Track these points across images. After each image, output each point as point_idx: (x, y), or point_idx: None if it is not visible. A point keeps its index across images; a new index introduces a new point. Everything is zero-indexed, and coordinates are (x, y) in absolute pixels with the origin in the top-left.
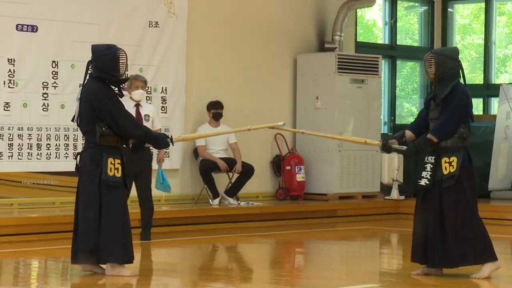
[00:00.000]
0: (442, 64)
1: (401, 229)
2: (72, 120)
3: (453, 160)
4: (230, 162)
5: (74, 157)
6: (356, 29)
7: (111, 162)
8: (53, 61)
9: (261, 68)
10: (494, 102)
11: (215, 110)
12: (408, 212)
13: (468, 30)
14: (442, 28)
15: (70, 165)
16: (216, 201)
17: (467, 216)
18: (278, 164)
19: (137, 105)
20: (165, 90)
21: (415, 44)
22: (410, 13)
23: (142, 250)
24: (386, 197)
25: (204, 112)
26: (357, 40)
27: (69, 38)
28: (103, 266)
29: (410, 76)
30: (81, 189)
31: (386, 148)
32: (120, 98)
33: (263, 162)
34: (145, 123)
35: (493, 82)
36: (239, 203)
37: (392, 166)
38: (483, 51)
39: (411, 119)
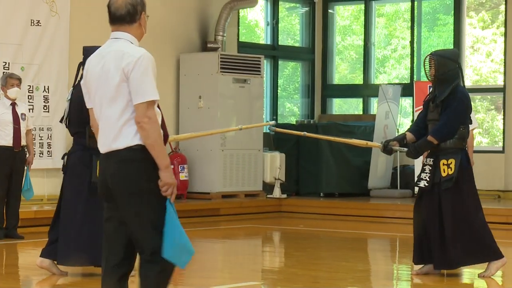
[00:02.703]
0: (442, 66)
1: (283, 227)
2: (61, 121)
3: (451, 162)
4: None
5: (62, 158)
6: (238, 29)
7: None
8: None
9: None
10: (374, 102)
11: None
12: (290, 211)
13: (348, 31)
14: (323, 29)
15: None
16: None
17: (464, 217)
18: None
19: (13, 104)
20: (47, 89)
21: (297, 45)
22: (291, 14)
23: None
24: (268, 196)
25: None
26: (240, 40)
27: None
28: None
29: (292, 76)
30: (68, 189)
31: (387, 150)
32: None
33: None
34: (22, 122)
35: (372, 83)
36: None
37: (274, 165)
38: (362, 52)
39: (293, 119)
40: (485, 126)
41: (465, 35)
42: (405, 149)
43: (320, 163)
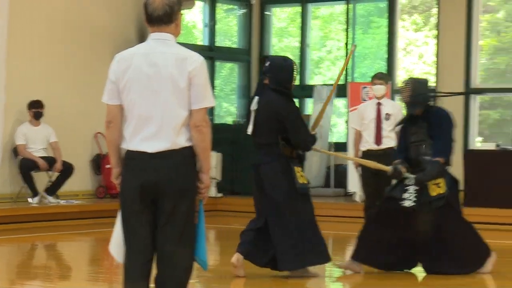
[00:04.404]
0: (417, 89)
1: (219, 225)
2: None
3: (440, 182)
4: (50, 161)
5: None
6: None
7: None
8: None
9: (83, 68)
10: (309, 103)
11: (36, 109)
12: (226, 209)
13: (284, 33)
14: (260, 30)
15: None
16: (36, 199)
17: (458, 227)
18: (98, 163)
19: None
20: None
21: (234, 46)
22: (229, 15)
23: None
24: None
25: (25, 112)
26: (177, 41)
27: None
28: None
29: (229, 77)
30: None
31: (396, 174)
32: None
33: (83, 161)
34: None
35: (307, 83)
36: (59, 201)
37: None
38: (299, 54)
39: (230, 119)
40: None
41: (398, 37)
42: (413, 176)
43: None
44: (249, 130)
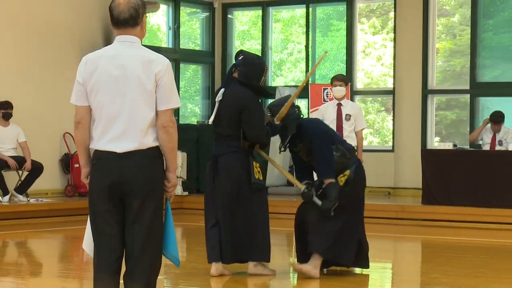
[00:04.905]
0: (281, 113)
1: (185, 223)
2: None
3: (347, 173)
4: (20, 160)
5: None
6: None
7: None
8: None
9: (50, 69)
10: None
11: (5, 110)
12: (192, 207)
13: (247, 36)
14: (223, 33)
15: None
16: (6, 198)
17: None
18: (67, 162)
19: None
20: None
21: (197, 48)
22: (192, 18)
23: None
24: None
25: None
26: (142, 43)
27: None
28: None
29: (193, 79)
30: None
31: (306, 195)
32: None
33: (52, 160)
34: None
35: (270, 85)
36: (28, 200)
37: None
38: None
39: (194, 119)
40: (376, 127)
41: (357, 40)
42: (320, 202)
43: None
44: (211, 120)
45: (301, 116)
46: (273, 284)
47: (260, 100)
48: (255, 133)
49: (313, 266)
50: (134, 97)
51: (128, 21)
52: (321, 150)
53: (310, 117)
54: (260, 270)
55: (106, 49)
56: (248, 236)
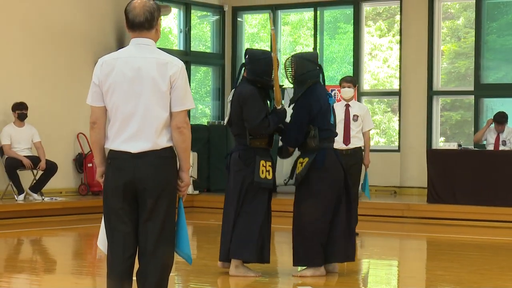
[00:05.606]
0: (301, 67)
1: (195, 221)
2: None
3: (305, 161)
4: (35, 160)
5: (225, 157)
6: None
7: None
8: None
9: (65, 71)
10: None
11: (20, 111)
12: (202, 206)
13: (256, 38)
14: (233, 36)
15: None
16: (21, 196)
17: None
18: (80, 162)
19: None
20: None
21: (208, 51)
22: (203, 21)
23: None
24: None
25: (10, 113)
26: None
27: None
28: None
29: (204, 80)
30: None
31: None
32: None
33: (66, 160)
34: None
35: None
36: (43, 199)
37: None
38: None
39: (205, 120)
40: (382, 127)
41: (363, 42)
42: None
43: None
44: (225, 121)
45: (320, 78)
46: (282, 281)
47: (267, 95)
48: (251, 126)
49: (313, 270)
50: (148, 97)
51: (144, 24)
52: (291, 120)
53: None
54: (242, 272)
55: (122, 51)
56: (230, 234)
